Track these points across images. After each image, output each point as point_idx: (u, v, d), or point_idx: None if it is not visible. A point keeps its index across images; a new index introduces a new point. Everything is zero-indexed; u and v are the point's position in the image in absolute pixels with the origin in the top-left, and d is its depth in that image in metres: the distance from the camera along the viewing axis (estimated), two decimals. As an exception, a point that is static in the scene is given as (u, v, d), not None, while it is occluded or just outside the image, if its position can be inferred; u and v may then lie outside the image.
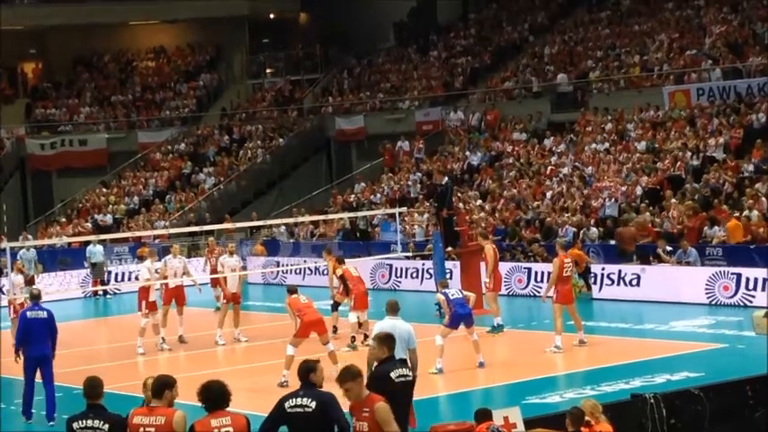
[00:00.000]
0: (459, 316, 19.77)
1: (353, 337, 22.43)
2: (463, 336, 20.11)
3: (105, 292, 34.65)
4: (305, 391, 9.91)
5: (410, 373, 11.51)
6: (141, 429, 9.50)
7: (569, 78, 41.82)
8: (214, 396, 9.35)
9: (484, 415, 12.02)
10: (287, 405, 9.83)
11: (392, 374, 11.24)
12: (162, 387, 9.72)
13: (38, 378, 17.13)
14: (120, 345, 24.84)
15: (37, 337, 17.02)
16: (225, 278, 24.73)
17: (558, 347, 20.75)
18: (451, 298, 19.95)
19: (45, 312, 17.23)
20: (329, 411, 9.87)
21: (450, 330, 19.81)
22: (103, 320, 31.48)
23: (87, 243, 35.13)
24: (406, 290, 31.27)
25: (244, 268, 27.17)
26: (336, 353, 19.27)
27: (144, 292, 24.11)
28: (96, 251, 34.88)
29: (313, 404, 9.82)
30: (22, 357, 17.24)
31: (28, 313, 17.28)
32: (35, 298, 17.62)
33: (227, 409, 9.40)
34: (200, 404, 9.48)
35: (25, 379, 17.18)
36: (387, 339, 11.63)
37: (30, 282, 27.91)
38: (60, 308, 25.95)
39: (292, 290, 20.25)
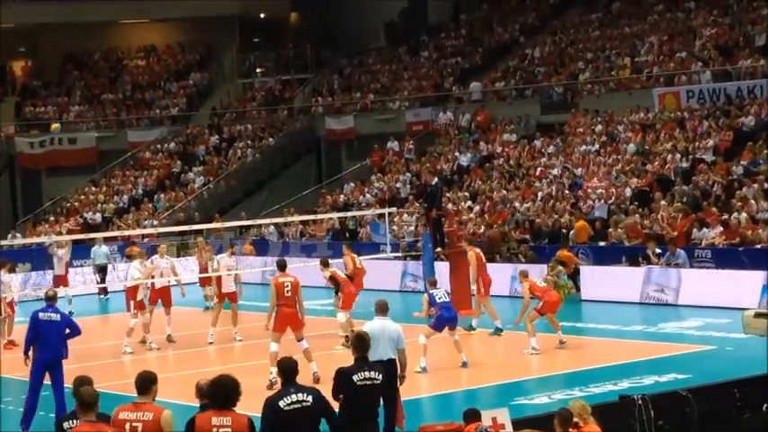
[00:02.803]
0: (445, 319, 19.79)
1: (347, 336, 22.24)
2: (461, 335, 20.19)
3: (106, 291, 34.30)
4: (295, 388, 10.08)
5: (378, 377, 11.53)
6: (128, 425, 9.47)
7: (559, 80, 41.90)
8: (222, 394, 9.35)
9: (473, 415, 12.02)
10: (282, 404, 9.93)
11: (354, 377, 11.36)
12: (149, 382, 9.72)
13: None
14: (106, 344, 24.80)
15: (47, 341, 16.39)
16: (220, 277, 24.69)
17: (536, 349, 20.74)
18: (438, 301, 19.92)
19: (59, 315, 16.57)
20: (325, 405, 10.19)
21: (433, 332, 19.81)
22: (92, 320, 31.35)
23: (77, 242, 34.94)
24: (396, 290, 31.29)
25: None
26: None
27: (133, 291, 24.08)
28: (101, 252, 34.42)
29: (310, 398, 10.05)
30: (30, 360, 16.59)
31: (40, 314, 16.58)
32: (50, 299, 16.88)
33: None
34: (203, 401, 9.53)
35: (30, 384, 16.55)
36: (359, 341, 11.81)
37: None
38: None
39: (282, 265, 19.62)
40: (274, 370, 18.25)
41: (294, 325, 18.87)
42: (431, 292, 20.23)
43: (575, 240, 30.41)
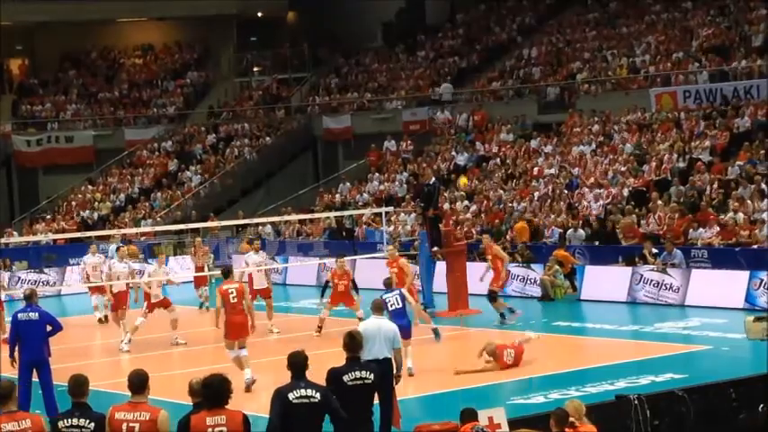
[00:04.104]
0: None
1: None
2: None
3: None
4: (305, 383, 10.19)
5: (370, 377, 11.54)
6: (125, 425, 9.47)
7: (556, 80, 41.92)
8: (214, 394, 9.36)
9: (470, 415, 12.01)
10: (291, 397, 10.05)
11: (345, 377, 11.39)
12: (144, 381, 9.71)
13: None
14: (102, 342, 24.79)
15: (29, 341, 16.37)
16: (251, 275, 24.97)
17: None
18: (390, 308, 18.36)
19: (37, 314, 16.51)
20: (332, 402, 10.28)
21: None
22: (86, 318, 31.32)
23: (73, 240, 34.85)
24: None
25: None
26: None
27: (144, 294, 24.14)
28: None
29: (318, 395, 10.17)
30: (17, 361, 16.57)
31: (19, 315, 16.59)
32: (27, 299, 16.83)
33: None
34: (195, 400, 9.52)
35: (20, 383, 16.12)
36: (351, 340, 11.79)
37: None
38: (54, 304, 26.09)
39: (226, 272, 19.47)
40: (248, 371, 18.19)
41: (241, 333, 18.68)
42: (384, 297, 18.46)
43: (515, 241, 30.96)
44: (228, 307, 18.58)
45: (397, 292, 19.20)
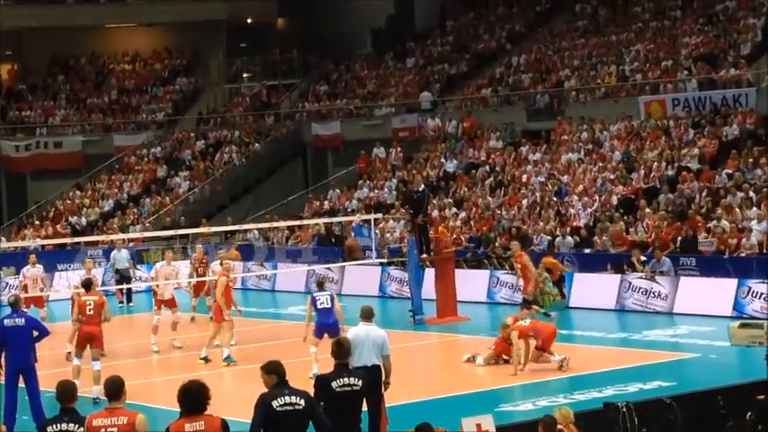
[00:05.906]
0: (323, 326, 19.24)
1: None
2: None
3: (129, 299, 33.14)
4: (289, 390, 10.13)
5: (358, 383, 11.54)
6: (103, 431, 9.46)
7: (545, 88, 41.97)
8: (192, 401, 9.34)
9: (423, 430, 11.98)
10: (275, 404, 10.00)
11: (334, 384, 11.39)
12: (120, 387, 9.70)
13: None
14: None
15: (16, 347, 16.37)
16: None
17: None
18: (319, 307, 19.24)
19: (23, 320, 16.59)
20: (316, 409, 10.27)
21: (317, 340, 19.25)
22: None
23: (62, 246, 34.73)
24: (379, 296, 31.27)
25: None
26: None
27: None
28: (122, 257, 33.10)
29: (302, 402, 10.10)
30: (3, 367, 16.53)
31: (5, 321, 16.59)
32: (13, 305, 16.87)
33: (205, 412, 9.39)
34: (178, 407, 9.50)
35: (6, 390, 16.46)
36: (338, 347, 11.74)
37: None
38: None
39: (87, 285, 19.68)
40: (76, 383, 17.86)
41: (94, 342, 18.82)
42: (314, 295, 19.49)
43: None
44: (84, 318, 18.88)
45: (329, 292, 19.98)
